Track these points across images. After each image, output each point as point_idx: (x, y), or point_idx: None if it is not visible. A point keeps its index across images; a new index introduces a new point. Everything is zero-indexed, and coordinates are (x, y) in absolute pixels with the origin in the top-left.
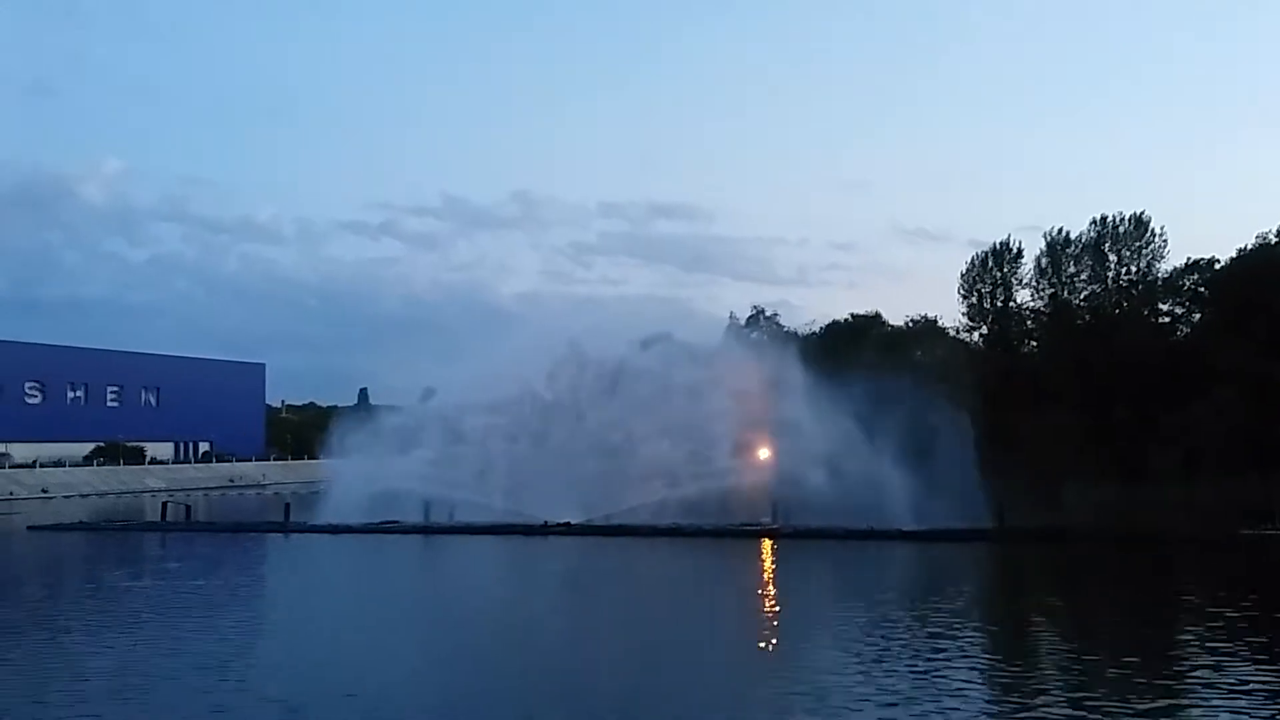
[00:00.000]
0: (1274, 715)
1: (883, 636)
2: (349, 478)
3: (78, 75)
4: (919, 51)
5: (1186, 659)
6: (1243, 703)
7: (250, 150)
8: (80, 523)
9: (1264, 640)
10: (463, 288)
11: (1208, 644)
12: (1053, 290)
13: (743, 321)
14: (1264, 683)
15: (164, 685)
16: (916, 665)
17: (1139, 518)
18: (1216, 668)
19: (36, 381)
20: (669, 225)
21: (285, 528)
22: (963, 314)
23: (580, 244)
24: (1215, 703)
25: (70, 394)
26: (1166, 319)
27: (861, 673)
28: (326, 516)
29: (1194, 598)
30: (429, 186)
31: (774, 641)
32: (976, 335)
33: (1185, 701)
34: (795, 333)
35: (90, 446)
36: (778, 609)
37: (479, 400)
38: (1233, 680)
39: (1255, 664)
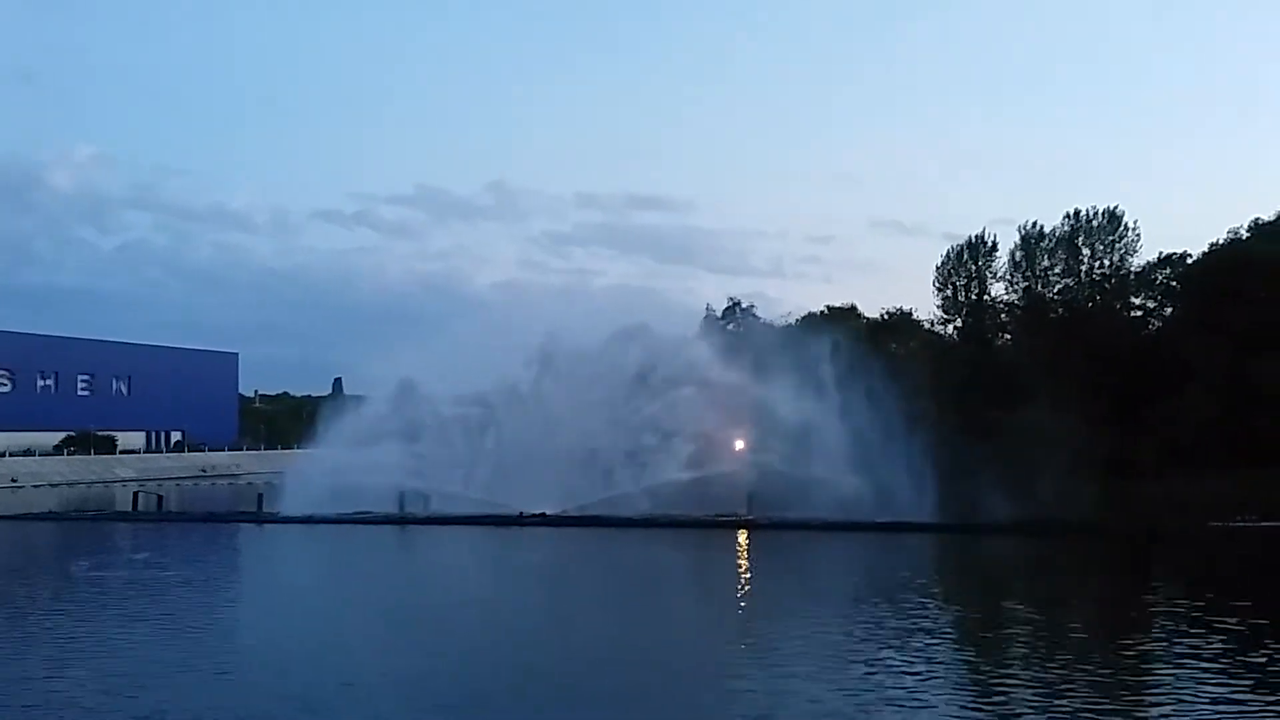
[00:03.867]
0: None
1: (851, 631)
2: (319, 468)
3: (49, 60)
4: (896, 46)
5: (1151, 649)
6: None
7: (223, 138)
8: (50, 512)
9: (1225, 628)
10: (438, 277)
11: (1172, 632)
12: (1027, 284)
13: (719, 313)
14: (1219, 666)
15: (123, 680)
16: (882, 660)
17: (1112, 512)
18: (1177, 654)
19: (6, 370)
20: (646, 216)
21: (258, 518)
22: (937, 307)
23: (557, 234)
24: (1175, 687)
25: (40, 383)
26: (1139, 313)
27: (825, 669)
28: (285, 507)
29: (1160, 589)
30: (404, 175)
31: (740, 636)
32: (951, 329)
33: (1150, 692)
34: (771, 324)
35: (61, 435)
36: (747, 602)
37: (454, 391)
38: (1191, 664)
39: (1215, 652)
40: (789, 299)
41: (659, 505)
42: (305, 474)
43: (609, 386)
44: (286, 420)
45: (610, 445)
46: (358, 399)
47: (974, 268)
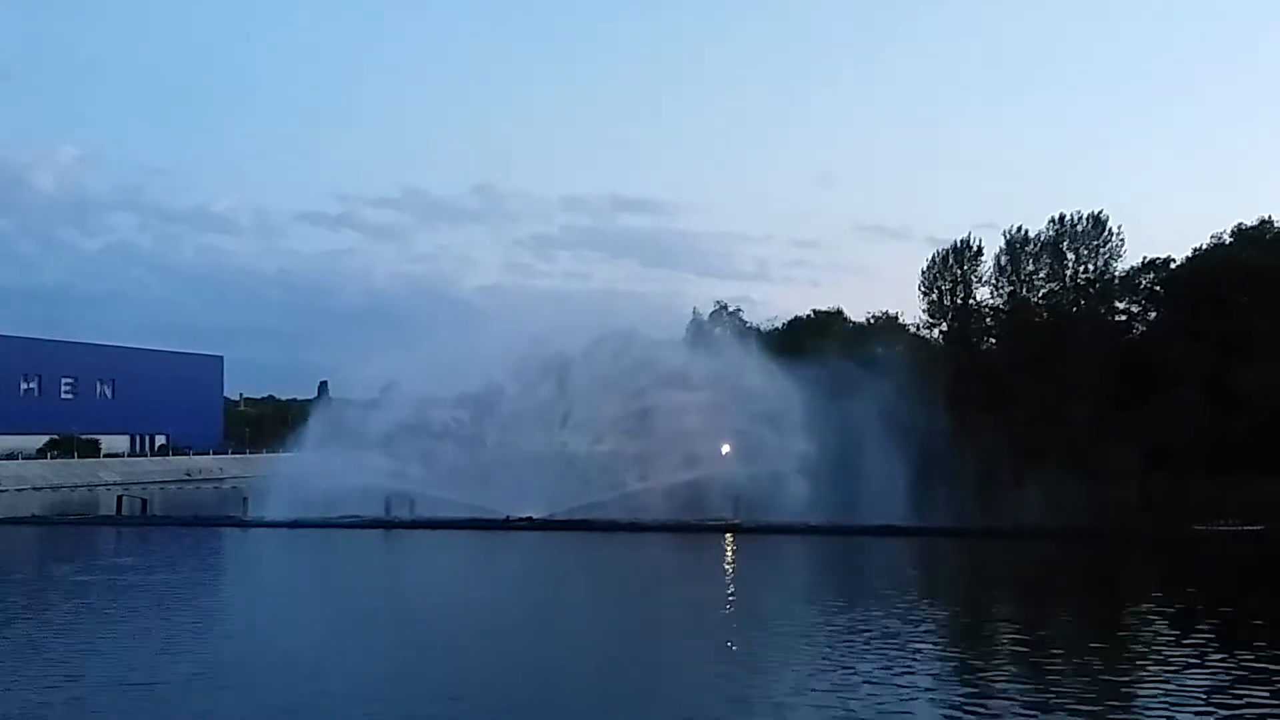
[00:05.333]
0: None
1: (836, 634)
2: (300, 471)
3: (33, 59)
4: (879, 49)
5: (1132, 652)
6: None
7: (207, 139)
8: (33, 516)
9: (1206, 631)
10: (424, 280)
11: (1152, 636)
12: (1012, 288)
13: (706, 317)
14: (1200, 670)
15: (105, 688)
16: (866, 664)
17: (1096, 515)
18: (1158, 657)
19: None
20: (632, 219)
21: (243, 522)
22: (923, 311)
23: (542, 237)
24: (1157, 691)
25: (24, 385)
26: (1123, 318)
27: (812, 672)
28: (262, 511)
29: (1142, 593)
30: (389, 177)
31: (722, 641)
32: (936, 332)
33: (1130, 696)
34: (758, 328)
35: (44, 439)
36: (729, 607)
37: (441, 394)
38: (1172, 668)
39: (1197, 656)
40: (775, 302)
41: (645, 509)
42: (280, 478)
43: (595, 391)
44: (271, 423)
45: (596, 449)
46: (343, 402)
47: (959, 272)
